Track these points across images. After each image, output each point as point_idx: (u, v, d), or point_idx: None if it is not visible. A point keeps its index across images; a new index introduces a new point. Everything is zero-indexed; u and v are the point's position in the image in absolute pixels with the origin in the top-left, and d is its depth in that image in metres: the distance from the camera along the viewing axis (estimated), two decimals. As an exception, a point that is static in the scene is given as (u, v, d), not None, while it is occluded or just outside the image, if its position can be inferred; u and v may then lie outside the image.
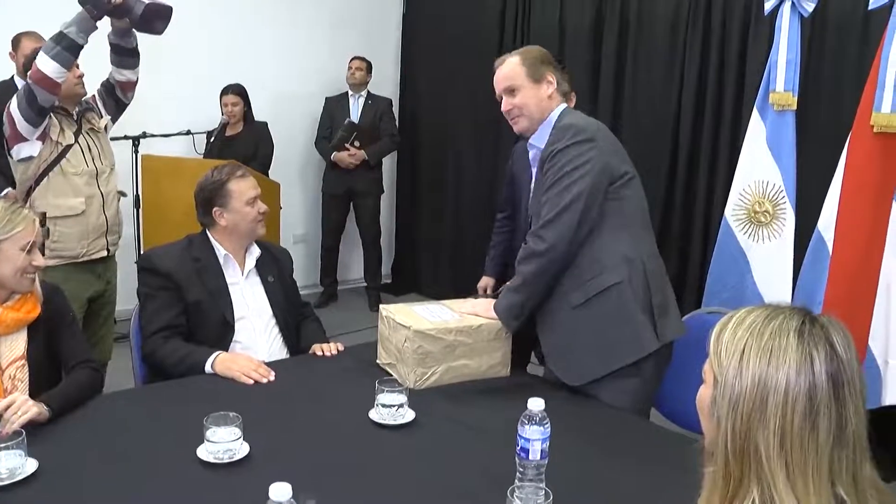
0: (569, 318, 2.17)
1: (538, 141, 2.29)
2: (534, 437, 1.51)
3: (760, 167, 3.25)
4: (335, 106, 5.64)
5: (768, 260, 3.25)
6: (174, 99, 5.14)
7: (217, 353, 2.29)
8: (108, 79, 3.22)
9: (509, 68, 2.29)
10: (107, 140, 3.25)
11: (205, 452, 1.68)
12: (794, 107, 3.18)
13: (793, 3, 3.17)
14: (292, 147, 5.77)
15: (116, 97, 3.24)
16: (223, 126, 4.96)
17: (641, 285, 2.15)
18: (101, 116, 3.21)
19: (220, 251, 2.53)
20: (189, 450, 1.69)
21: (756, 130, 3.28)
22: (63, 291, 2.19)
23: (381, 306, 2.36)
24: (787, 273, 3.19)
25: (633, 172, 2.23)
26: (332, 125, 5.56)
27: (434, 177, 6.05)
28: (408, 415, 1.90)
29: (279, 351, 2.55)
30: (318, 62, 5.86)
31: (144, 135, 4.61)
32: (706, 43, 4.15)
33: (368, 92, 5.66)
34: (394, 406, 1.88)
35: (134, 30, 3.01)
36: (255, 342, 2.50)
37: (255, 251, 2.61)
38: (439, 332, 2.14)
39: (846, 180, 3.00)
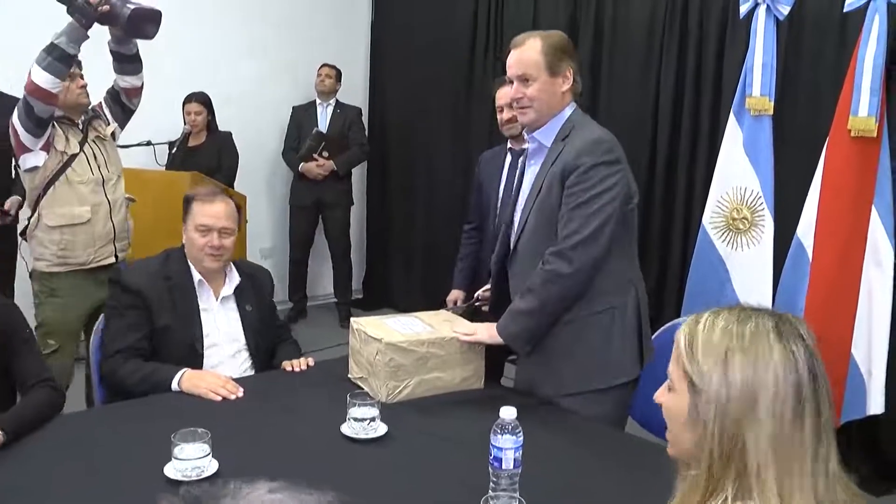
0: (558, 330, 2.21)
1: (544, 137, 2.26)
2: (506, 447, 1.57)
3: (738, 173, 3.35)
4: (302, 115, 5.70)
5: (748, 268, 3.34)
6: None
7: (184, 370, 2.32)
8: (112, 86, 3.30)
9: (528, 54, 2.21)
10: (114, 147, 3.32)
11: (172, 470, 1.72)
12: (771, 111, 3.29)
13: (767, 6, 3.29)
14: (258, 157, 5.81)
15: (122, 104, 3.31)
16: (185, 136, 4.99)
17: (634, 311, 2.23)
18: (108, 124, 3.28)
19: (195, 274, 2.53)
20: (156, 468, 1.73)
21: (733, 136, 3.39)
22: (16, 307, 2.21)
23: (352, 319, 2.41)
24: (766, 281, 3.28)
25: (637, 200, 2.27)
26: (299, 135, 5.61)
27: (405, 187, 6.12)
28: (380, 428, 1.95)
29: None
30: (285, 70, 5.92)
31: None
32: (683, 46, 4.26)
33: (337, 100, 5.72)
34: (366, 420, 1.93)
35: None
36: (223, 368, 2.50)
37: (235, 278, 2.60)
38: (411, 344, 2.20)
39: (824, 186, 3.10)
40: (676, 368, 1.13)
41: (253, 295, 2.65)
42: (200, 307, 2.52)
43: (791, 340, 1.07)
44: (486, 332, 2.26)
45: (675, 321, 2.76)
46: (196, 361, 2.45)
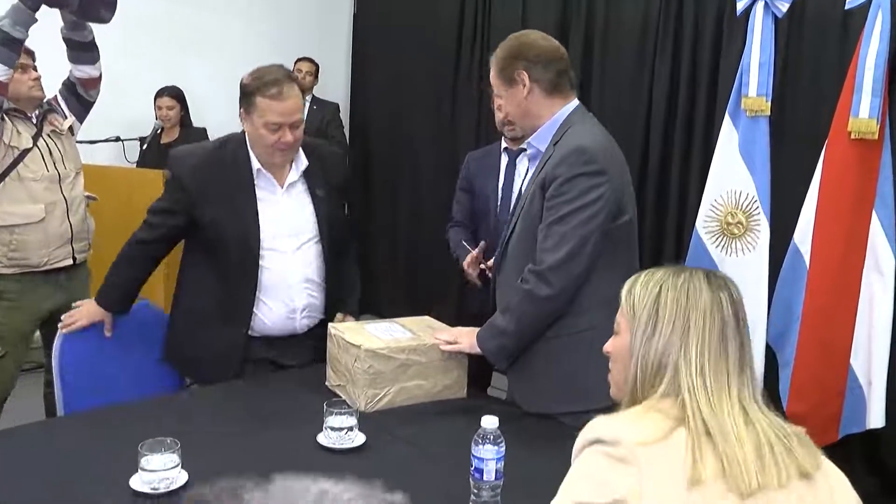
0: (539, 347, 2.20)
1: (539, 142, 2.25)
2: (488, 457, 1.58)
3: (733, 176, 3.38)
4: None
5: (743, 274, 3.35)
6: (101, 101, 5.14)
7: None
8: (68, 77, 3.23)
9: (492, 73, 2.28)
10: (72, 143, 3.27)
11: (139, 482, 1.71)
12: (768, 112, 3.32)
13: (766, 3, 3.32)
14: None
15: (79, 95, 3.25)
16: (157, 132, 4.99)
17: None
18: (65, 117, 3.23)
19: (254, 162, 2.48)
20: (122, 480, 1.73)
21: (728, 137, 3.42)
22: None
23: (329, 325, 2.41)
24: (762, 288, 3.29)
25: (631, 215, 2.20)
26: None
27: (389, 188, 6.13)
28: (358, 438, 1.96)
29: (316, 283, 2.57)
30: (261, 62, 5.88)
31: None
32: (677, 45, 4.30)
33: (313, 96, 5.72)
34: (343, 429, 1.94)
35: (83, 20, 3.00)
36: (289, 268, 2.51)
37: (302, 160, 2.52)
38: (391, 350, 2.21)
39: (823, 190, 3.13)
40: (620, 316, 1.40)
41: (322, 178, 2.58)
42: (259, 199, 2.47)
43: (719, 288, 1.33)
44: (468, 341, 2.25)
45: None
46: (251, 259, 2.45)
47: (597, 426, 1.26)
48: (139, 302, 2.76)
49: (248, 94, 2.44)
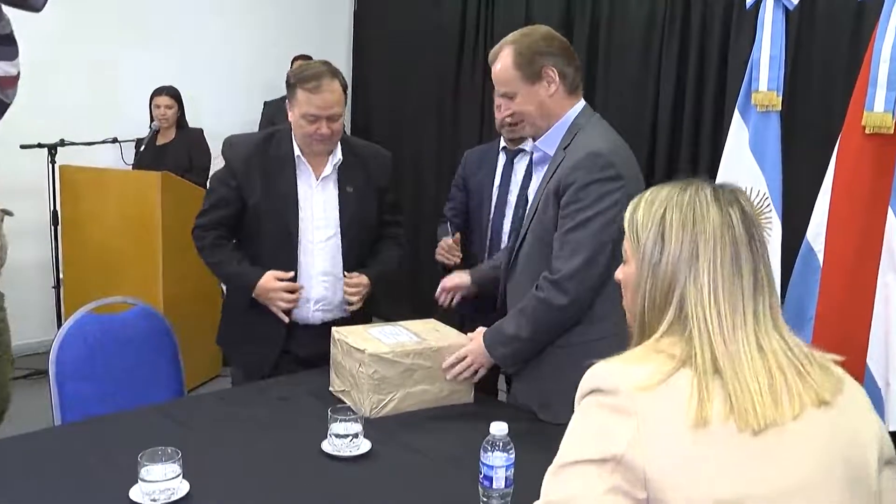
0: (549, 355, 2.18)
1: (546, 145, 2.23)
2: (497, 465, 1.57)
3: (743, 173, 3.36)
4: (275, 111, 5.66)
5: (755, 273, 3.35)
6: (98, 101, 5.15)
7: (259, 277, 2.58)
8: None
9: (501, 70, 2.19)
10: None
11: (139, 493, 1.70)
12: (779, 107, 3.30)
13: (776, -5, 3.31)
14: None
15: None
16: (154, 133, 4.98)
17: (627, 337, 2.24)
18: None
19: (296, 151, 2.64)
20: (122, 491, 1.71)
21: (738, 134, 3.40)
22: None
23: (333, 329, 2.40)
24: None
25: None
26: (272, 132, 5.62)
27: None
28: (363, 445, 1.94)
29: (333, 278, 2.66)
30: (259, 62, 5.93)
31: (63, 142, 4.60)
32: (684, 39, 4.29)
33: (314, 96, 5.72)
34: (348, 436, 1.92)
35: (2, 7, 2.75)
36: (312, 259, 2.65)
37: (337, 155, 2.67)
38: (396, 355, 2.19)
39: (836, 186, 3.11)
40: (626, 241, 1.33)
41: (359, 176, 2.71)
42: (298, 186, 2.62)
43: (728, 204, 1.24)
44: (477, 355, 2.22)
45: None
46: (290, 243, 2.61)
47: (596, 373, 1.22)
48: (135, 307, 2.76)
49: (290, 86, 2.59)
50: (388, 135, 6.11)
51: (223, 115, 5.72)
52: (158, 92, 5.07)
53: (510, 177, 3.41)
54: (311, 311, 2.68)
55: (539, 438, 2.02)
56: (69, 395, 2.54)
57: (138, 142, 4.97)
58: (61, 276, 4.65)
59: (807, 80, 3.72)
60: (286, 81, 2.62)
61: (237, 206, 2.64)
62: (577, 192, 2.05)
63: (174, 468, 1.72)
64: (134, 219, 4.40)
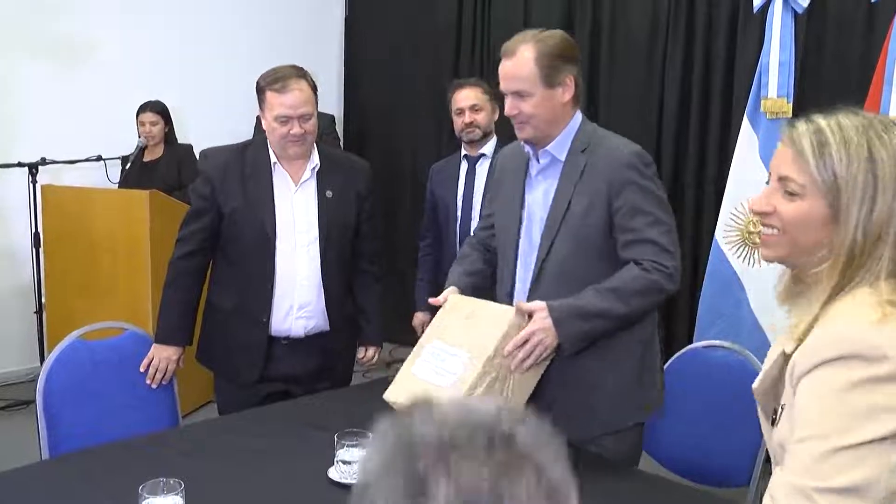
0: (588, 360, 2.18)
1: (557, 151, 2.24)
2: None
3: (753, 183, 3.39)
4: (270, 124, 5.71)
5: (766, 284, 3.35)
6: (81, 118, 5.15)
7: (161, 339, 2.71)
8: None
9: (520, 67, 2.17)
10: None
11: (141, 526, 1.72)
12: (790, 114, 3.35)
13: (784, -1, 3.36)
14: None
15: None
16: (141, 150, 4.98)
17: (657, 339, 2.29)
18: None
19: (272, 157, 2.72)
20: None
21: (747, 142, 3.44)
22: None
23: (385, 395, 2.17)
24: (788, 300, 3.31)
25: None
26: (265, 146, 5.65)
27: (386, 199, 6.13)
28: (372, 473, 1.96)
29: (316, 282, 2.74)
30: (249, 75, 5.91)
31: (44, 161, 4.53)
32: (689, 44, 4.33)
33: (307, 108, 5.75)
34: (356, 462, 1.94)
35: None
36: (294, 264, 2.71)
37: (314, 160, 2.76)
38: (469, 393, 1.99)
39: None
40: (800, 174, 1.29)
41: (338, 181, 2.79)
42: (276, 192, 2.70)
43: None
44: (542, 326, 2.08)
45: (691, 347, 2.78)
46: (268, 249, 2.68)
47: (846, 337, 1.17)
48: (126, 332, 2.77)
49: (259, 92, 2.70)
50: (382, 141, 6.15)
51: (213, 131, 5.68)
52: (143, 108, 5.07)
53: (473, 183, 3.59)
54: (295, 317, 2.74)
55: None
56: (58, 426, 2.52)
57: (124, 159, 4.95)
58: (43, 301, 4.60)
59: (817, 84, 3.76)
60: (256, 88, 2.71)
61: (212, 217, 2.73)
62: (640, 188, 2.14)
63: (177, 500, 1.73)
64: (121, 239, 4.38)
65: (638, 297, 2.12)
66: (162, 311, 2.80)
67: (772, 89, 3.36)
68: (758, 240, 3.38)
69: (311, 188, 2.76)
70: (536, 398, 2.20)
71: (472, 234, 3.36)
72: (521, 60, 2.16)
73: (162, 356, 2.71)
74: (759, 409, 1.43)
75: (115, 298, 4.34)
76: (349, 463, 1.94)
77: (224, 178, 2.72)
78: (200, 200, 2.75)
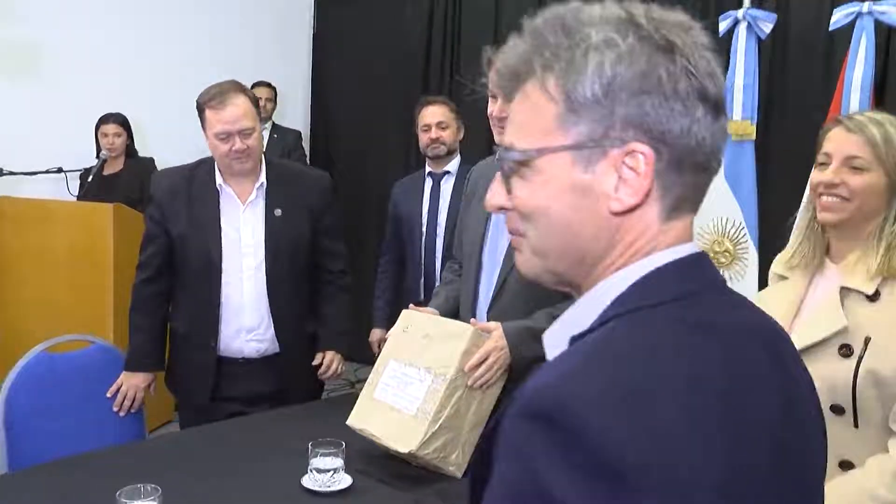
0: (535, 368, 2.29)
1: None
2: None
3: (718, 203, 3.56)
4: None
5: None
6: (42, 129, 5.19)
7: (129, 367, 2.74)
8: None
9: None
10: None
11: (119, 532, 1.80)
12: (754, 136, 3.52)
13: (749, 23, 3.55)
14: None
15: None
16: (103, 162, 5.01)
17: None
18: None
19: (218, 178, 2.74)
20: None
21: (713, 163, 3.61)
22: None
23: (349, 423, 2.30)
24: (752, 318, 3.47)
25: None
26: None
27: (354, 216, 6.24)
28: (344, 480, 2.06)
29: (263, 305, 2.74)
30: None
31: (2, 172, 4.60)
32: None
33: (273, 124, 5.84)
34: (329, 471, 2.04)
35: None
36: (241, 288, 2.73)
37: (261, 178, 2.76)
38: (432, 422, 2.11)
39: (812, 216, 3.33)
40: (863, 153, 1.75)
41: (289, 199, 2.78)
42: (222, 215, 2.72)
43: None
44: (499, 345, 2.20)
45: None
46: (214, 275, 2.70)
47: None
48: (92, 345, 2.84)
49: (199, 111, 2.72)
50: (349, 158, 6.25)
51: (175, 144, 5.75)
52: (105, 119, 5.10)
53: (438, 200, 3.76)
54: (245, 340, 2.77)
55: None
56: (20, 441, 2.56)
57: (85, 172, 4.99)
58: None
59: (780, 109, 3.95)
60: (196, 108, 2.75)
61: (164, 240, 2.76)
62: None
63: (154, 505, 1.82)
64: (83, 254, 4.43)
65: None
66: (130, 337, 2.83)
67: (736, 112, 3.54)
68: (723, 260, 3.56)
69: (258, 207, 2.77)
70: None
71: (437, 250, 3.51)
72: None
73: (130, 383, 2.75)
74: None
75: (73, 313, 4.35)
76: (323, 471, 2.05)
77: (171, 201, 2.74)
78: (152, 224, 2.78)
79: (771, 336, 0.90)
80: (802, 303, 1.87)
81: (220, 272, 2.71)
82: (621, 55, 0.82)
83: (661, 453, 0.70)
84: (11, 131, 5.15)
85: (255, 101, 2.76)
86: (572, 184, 0.85)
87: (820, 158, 1.86)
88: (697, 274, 0.88)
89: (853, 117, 1.83)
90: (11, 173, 4.64)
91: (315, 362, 2.85)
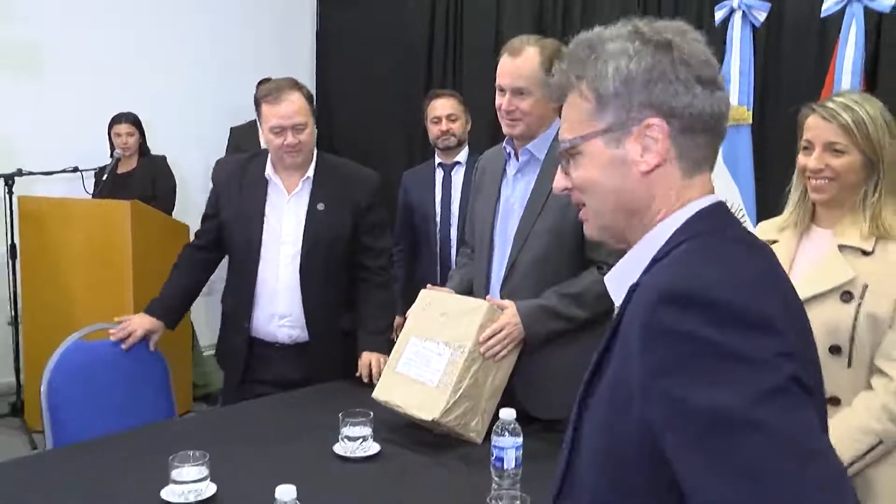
0: (557, 350, 2.43)
1: (537, 150, 2.50)
2: (507, 446, 1.91)
3: (717, 186, 3.71)
4: (242, 137, 5.92)
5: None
6: (57, 129, 5.34)
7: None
8: None
9: (525, 66, 2.39)
10: None
11: (170, 493, 1.98)
12: (750, 121, 3.70)
13: (743, 12, 3.73)
14: (193, 185, 6.06)
15: None
16: (117, 161, 5.17)
17: None
18: None
19: (267, 169, 2.93)
20: (153, 492, 1.99)
21: (712, 147, 3.79)
22: None
23: (376, 396, 2.47)
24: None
25: None
26: (240, 159, 5.88)
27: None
28: (372, 447, 2.25)
29: (297, 293, 2.89)
30: (222, 86, 6.23)
31: (20, 172, 4.75)
32: (656, 55, 4.67)
33: (280, 121, 5.99)
34: (358, 438, 2.23)
35: None
36: (276, 274, 2.90)
37: (309, 171, 2.93)
38: (454, 391, 2.28)
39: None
40: (840, 138, 2.03)
41: (335, 193, 2.93)
42: (268, 204, 2.91)
43: None
44: (513, 320, 2.37)
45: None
46: (252, 259, 2.91)
47: None
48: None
49: (256, 105, 2.90)
50: (352, 153, 6.36)
51: (186, 142, 5.96)
52: (118, 119, 5.25)
53: (450, 190, 3.95)
54: (277, 325, 2.93)
55: (538, 428, 2.33)
56: (63, 420, 2.73)
57: (100, 171, 5.14)
58: (19, 312, 4.78)
59: (775, 94, 4.12)
60: (254, 103, 2.93)
61: (216, 221, 2.99)
62: None
63: (203, 470, 2.00)
64: (101, 250, 4.58)
65: (598, 300, 2.37)
66: (160, 293, 3.02)
67: (733, 97, 3.71)
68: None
69: (303, 200, 2.92)
70: (522, 373, 2.47)
71: (451, 238, 3.69)
72: (527, 60, 2.41)
73: (136, 321, 2.92)
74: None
75: (94, 307, 4.44)
76: (353, 439, 2.24)
77: (226, 187, 2.98)
78: (209, 206, 3.04)
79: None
80: (793, 260, 2.17)
81: (259, 257, 2.89)
82: (631, 57, 1.10)
83: (770, 311, 0.99)
84: (27, 133, 5.32)
85: (311, 98, 2.91)
86: (610, 158, 1.16)
87: (803, 144, 2.16)
88: (726, 213, 1.20)
89: (826, 105, 2.10)
90: (31, 173, 4.77)
91: (362, 365, 2.87)
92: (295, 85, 2.89)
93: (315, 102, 6.85)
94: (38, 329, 4.66)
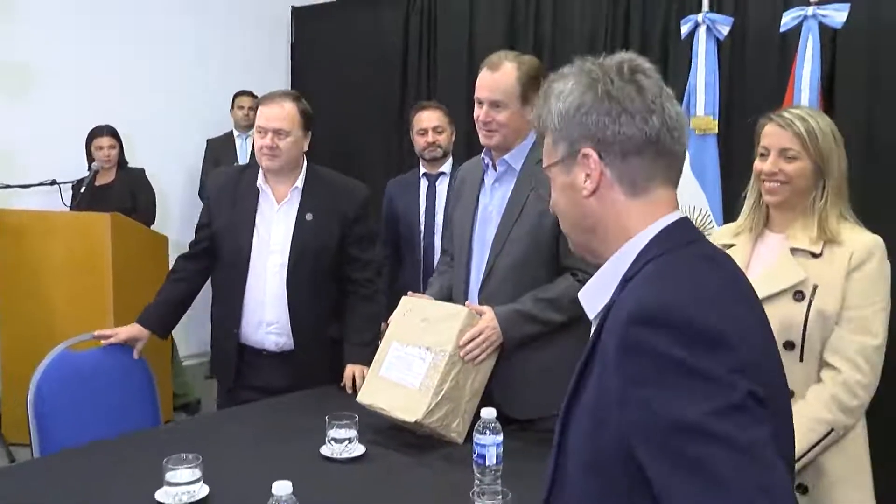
0: (535, 351, 2.55)
1: (514, 160, 2.61)
2: (489, 443, 2.02)
3: (686, 193, 3.88)
4: (219, 149, 6.03)
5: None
6: (35, 143, 5.38)
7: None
8: None
9: (503, 80, 2.53)
10: None
11: (164, 495, 2.06)
12: (716, 130, 3.85)
13: (707, 26, 3.88)
14: (172, 198, 6.14)
15: None
16: (95, 173, 5.18)
17: None
18: None
19: (259, 178, 3.00)
20: (147, 494, 2.08)
21: (679, 156, 3.94)
22: None
23: (360, 399, 2.59)
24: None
25: None
26: (217, 171, 5.95)
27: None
28: (357, 449, 2.36)
29: (283, 302, 2.96)
30: (197, 99, 6.29)
31: None
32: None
33: (256, 131, 6.08)
34: (344, 440, 2.34)
35: None
36: (264, 282, 2.97)
37: (299, 181, 3.00)
38: (435, 393, 2.39)
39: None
40: (793, 145, 2.22)
41: (323, 204, 2.99)
42: (258, 213, 2.99)
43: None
44: (492, 324, 2.49)
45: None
46: (241, 267, 2.98)
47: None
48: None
49: (255, 110, 3.07)
50: (332, 164, 6.42)
51: (163, 154, 6.00)
52: (99, 132, 5.29)
53: (434, 200, 4.07)
54: (265, 332, 3.01)
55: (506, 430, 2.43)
56: (50, 429, 2.78)
57: (77, 183, 5.15)
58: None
59: (740, 104, 4.26)
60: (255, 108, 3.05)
61: (209, 231, 3.07)
62: None
63: (196, 472, 2.09)
64: (81, 262, 4.60)
65: (572, 305, 2.40)
66: (152, 301, 3.10)
67: (699, 108, 3.87)
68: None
69: (292, 210, 2.99)
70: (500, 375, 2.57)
71: (435, 247, 3.81)
72: (504, 75, 2.55)
73: (125, 328, 3.00)
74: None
75: (73, 321, 4.41)
76: (339, 441, 2.34)
77: (218, 197, 3.06)
78: (202, 216, 3.14)
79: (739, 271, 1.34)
80: (748, 263, 2.31)
81: (248, 265, 2.98)
82: (566, 96, 1.26)
83: (733, 326, 1.11)
84: (4, 147, 5.36)
85: (305, 113, 2.99)
86: (563, 184, 1.33)
87: (760, 150, 2.33)
88: (689, 228, 1.30)
89: (782, 115, 2.29)
90: (8, 186, 4.77)
91: (347, 377, 2.94)
92: (292, 96, 3.01)
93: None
94: (17, 342, 4.65)
